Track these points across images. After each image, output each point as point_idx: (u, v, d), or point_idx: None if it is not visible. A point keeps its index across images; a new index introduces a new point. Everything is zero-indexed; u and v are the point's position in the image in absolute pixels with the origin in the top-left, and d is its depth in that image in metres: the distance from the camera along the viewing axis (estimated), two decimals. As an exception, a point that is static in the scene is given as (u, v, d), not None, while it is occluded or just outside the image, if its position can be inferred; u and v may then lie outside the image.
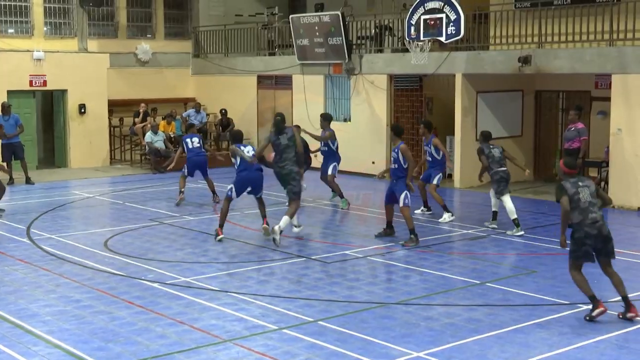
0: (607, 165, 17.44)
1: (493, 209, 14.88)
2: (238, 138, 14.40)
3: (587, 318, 9.41)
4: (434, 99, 21.40)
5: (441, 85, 20.98)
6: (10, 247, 13.48)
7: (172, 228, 14.99)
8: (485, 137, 14.96)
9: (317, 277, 11.50)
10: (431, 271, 11.82)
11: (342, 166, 17.81)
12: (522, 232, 14.24)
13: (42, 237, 14.27)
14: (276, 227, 13.34)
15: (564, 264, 10.26)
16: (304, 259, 12.61)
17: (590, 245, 9.38)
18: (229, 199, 13.89)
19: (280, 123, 13.96)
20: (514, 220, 14.34)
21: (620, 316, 9.46)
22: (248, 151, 13.87)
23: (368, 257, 12.74)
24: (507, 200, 14.44)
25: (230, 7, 27.02)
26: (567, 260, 9.67)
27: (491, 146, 14.71)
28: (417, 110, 21.03)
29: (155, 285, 11.04)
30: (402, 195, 13.34)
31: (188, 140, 17.63)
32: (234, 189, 13.84)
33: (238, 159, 13.79)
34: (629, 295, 9.50)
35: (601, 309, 9.34)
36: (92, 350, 8.51)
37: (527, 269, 12.00)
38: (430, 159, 15.67)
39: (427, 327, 9.27)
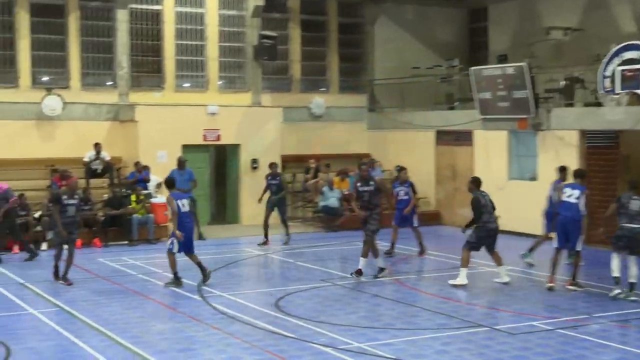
0: None
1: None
2: None
3: None
4: (631, 157, 19.59)
5: (641, 142, 19.21)
6: (181, 303, 13.26)
7: (345, 290, 14.30)
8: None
9: (501, 349, 10.40)
10: (631, 348, 10.47)
11: (522, 227, 18.72)
12: None
13: (213, 294, 13.84)
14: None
15: None
16: (486, 328, 11.51)
17: None
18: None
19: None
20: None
21: None
22: None
23: (557, 330, 11.40)
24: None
25: (407, 59, 26.08)
26: None
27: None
28: (613, 169, 19.34)
29: (328, 350, 10.41)
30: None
31: (178, 202, 14.39)
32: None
33: None
34: None
35: None
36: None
37: None
38: None
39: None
